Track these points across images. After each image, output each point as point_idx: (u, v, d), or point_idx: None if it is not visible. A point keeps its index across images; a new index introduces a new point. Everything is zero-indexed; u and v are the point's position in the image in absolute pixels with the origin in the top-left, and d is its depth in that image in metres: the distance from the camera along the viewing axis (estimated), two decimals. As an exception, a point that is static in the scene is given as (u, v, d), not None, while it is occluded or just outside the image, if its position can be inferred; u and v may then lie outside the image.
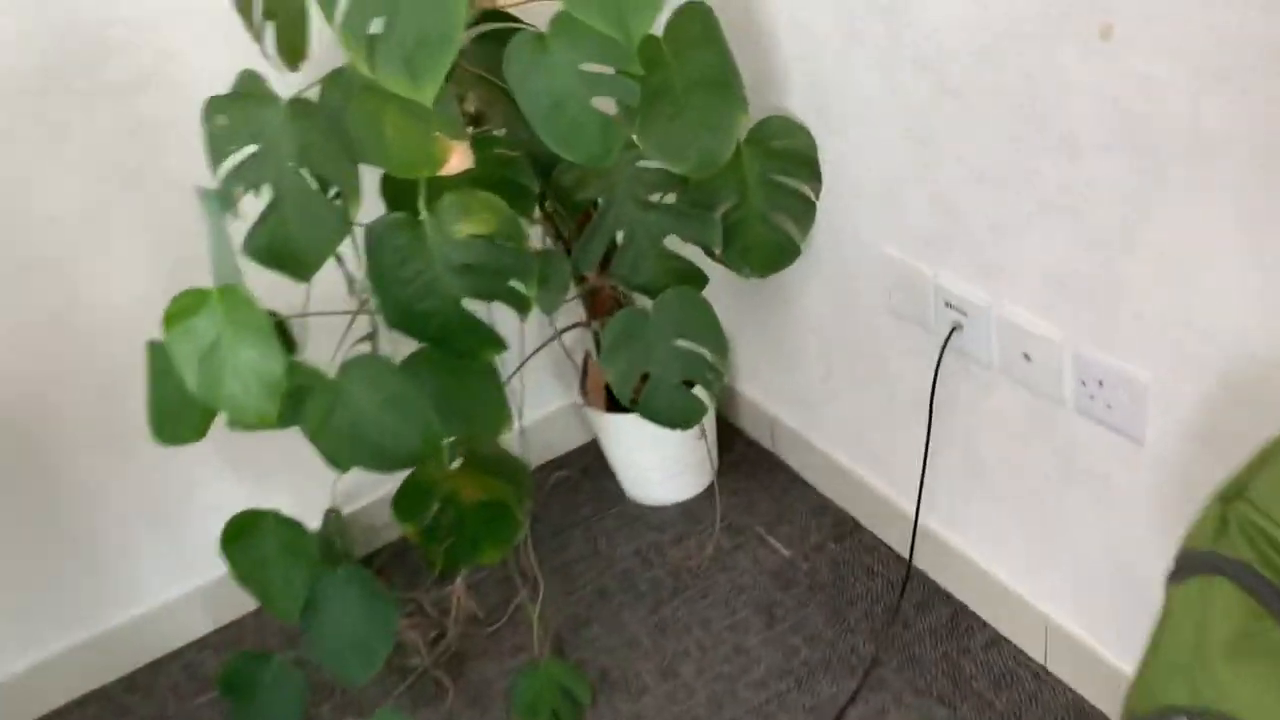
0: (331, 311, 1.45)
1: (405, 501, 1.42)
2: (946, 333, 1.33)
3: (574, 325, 1.71)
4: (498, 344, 1.26)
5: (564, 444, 2.04)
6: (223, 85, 1.19)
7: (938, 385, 1.40)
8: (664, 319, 1.41)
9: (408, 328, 1.23)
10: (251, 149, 1.15)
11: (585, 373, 1.78)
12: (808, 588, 1.64)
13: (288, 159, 1.15)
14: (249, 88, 1.22)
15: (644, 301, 1.54)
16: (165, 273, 1.55)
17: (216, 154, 1.15)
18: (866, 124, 1.34)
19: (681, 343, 1.42)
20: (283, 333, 1.53)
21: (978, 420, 1.36)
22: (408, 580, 1.81)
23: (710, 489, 1.87)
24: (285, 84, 1.21)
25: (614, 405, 1.75)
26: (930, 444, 1.47)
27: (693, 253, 1.49)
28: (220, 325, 1.12)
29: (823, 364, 1.66)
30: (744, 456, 1.93)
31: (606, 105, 1.18)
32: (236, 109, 1.14)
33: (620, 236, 1.45)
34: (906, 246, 1.36)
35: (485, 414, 1.39)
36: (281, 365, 1.13)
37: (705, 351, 1.43)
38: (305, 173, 1.16)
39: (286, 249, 1.18)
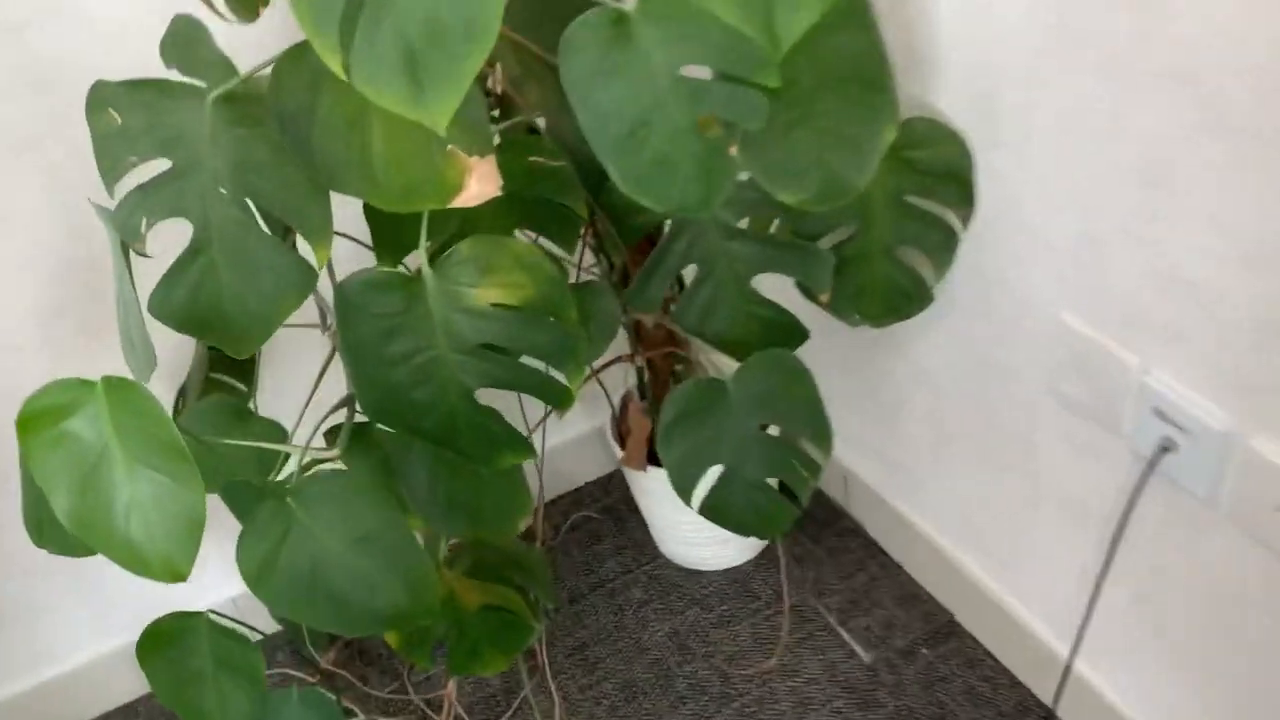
0: (302, 324, 1.06)
1: None
2: (1152, 451, 0.94)
3: (614, 361, 1.32)
4: (522, 449, 0.87)
5: (585, 473, 1.67)
6: (153, 30, 0.78)
7: (1129, 509, 1.02)
8: (747, 394, 1.03)
9: (393, 420, 0.85)
10: (164, 164, 0.75)
11: (622, 415, 1.40)
12: (893, 711, 1.29)
13: (216, 182, 0.74)
14: (181, 48, 0.81)
15: (718, 357, 1.16)
16: (64, 296, 1.15)
17: (109, 168, 0.75)
18: (1061, 143, 0.93)
19: (768, 428, 1.04)
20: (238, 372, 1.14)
21: (1178, 567, 0.99)
22: (388, 665, 1.46)
23: (766, 555, 1.50)
24: (240, 42, 0.80)
25: (655, 454, 1.38)
26: (1104, 578, 1.10)
27: (781, 291, 1.10)
28: (108, 435, 0.73)
29: (934, 428, 1.28)
30: (808, 513, 1.56)
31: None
32: (137, 102, 0.73)
33: (692, 270, 1.06)
34: (1099, 320, 0.97)
35: (497, 506, 1.02)
36: (202, 497, 0.75)
37: (800, 441, 1.05)
38: (246, 203, 0.76)
39: (216, 313, 0.78)
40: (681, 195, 0.74)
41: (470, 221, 0.85)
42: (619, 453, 1.38)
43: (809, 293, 1.10)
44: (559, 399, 0.84)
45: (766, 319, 1.07)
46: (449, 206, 0.76)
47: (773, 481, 1.06)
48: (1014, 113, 0.96)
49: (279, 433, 1.09)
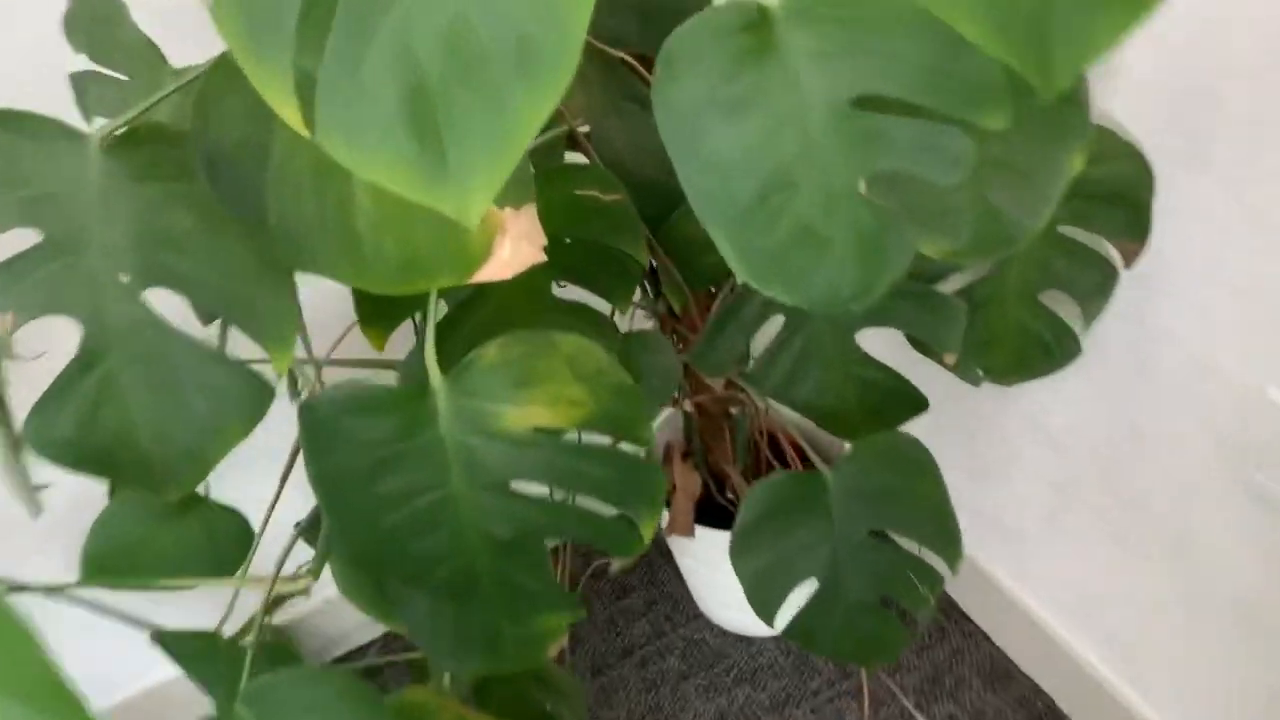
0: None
1: None
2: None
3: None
4: (567, 609, 0.63)
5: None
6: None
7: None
8: (854, 491, 0.78)
9: (385, 572, 0.60)
10: (34, 238, 0.48)
11: (664, 469, 1.15)
12: (993, 830, 1.07)
13: (113, 263, 0.48)
14: (91, 27, 0.55)
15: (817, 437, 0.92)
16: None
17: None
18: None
19: (879, 533, 0.80)
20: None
21: None
22: None
23: (828, 619, 1.27)
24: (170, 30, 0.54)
25: (705, 515, 1.14)
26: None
27: (885, 349, 0.85)
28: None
29: (1052, 492, 1.04)
30: (876, 565, 1.32)
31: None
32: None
33: (775, 321, 0.80)
34: (1331, 405, 0.72)
35: (520, 632, 0.77)
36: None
37: (920, 551, 0.80)
38: (152, 298, 0.50)
39: (124, 446, 0.52)
40: (829, 285, 0.48)
41: (489, 285, 0.60)
42: (663, 519, 1.13)
43: (926, 349, 0.84)
44: (624, 546, 0.60)
45: (873, 384, 0.82)
46: (470, 282, 0.51)
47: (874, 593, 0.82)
48: (1233, 125, 0.71)
49: (239, 530, 0.84)
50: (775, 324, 0.81)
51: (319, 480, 0.56)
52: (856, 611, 0.81)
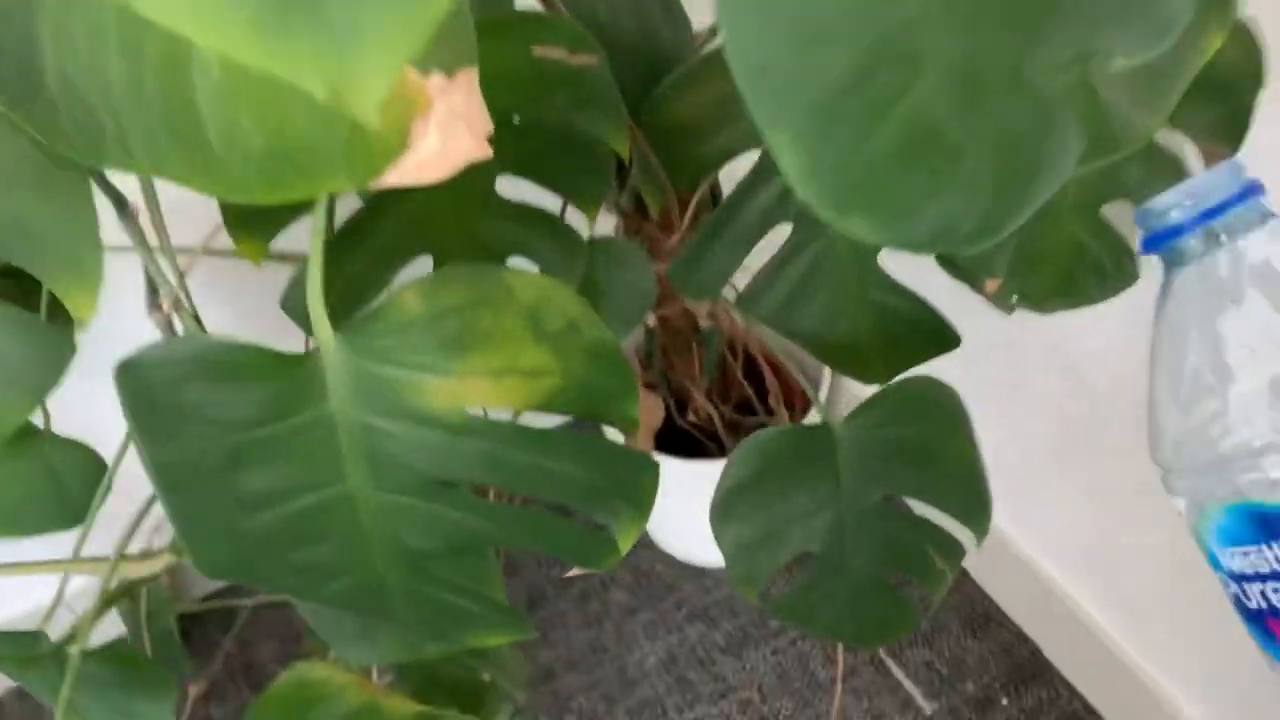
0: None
1: (264, 713, 0.67)
2: None
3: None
4: (511, 627, 0.46)
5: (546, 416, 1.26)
6: None
7: None
8: (869, 448, 0.62)
9: (256, 583, 0.42)
10: None
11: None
12: (971, 794, 0.97)
13: None
14: None
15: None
16: None
17: None
18: None
19: (894, 501, 0.64)
20: None
21: None
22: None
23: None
24: None
25: (664, 440, 0.99)
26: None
27: (912, 274, 0.68)
28: None
29: (1066, 435, 0.90)
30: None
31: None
32: None
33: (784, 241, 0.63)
34: None
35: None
36: None
37: (941, 519, 0.65)
38: None
39: None
40: (944, 219, 0.31)
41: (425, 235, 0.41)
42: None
43: (961, 271, 0.68)
44: (594, 558, 0.43)
45: (894, 313, 0.65)
46: (378, 186, 0.32)
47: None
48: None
49: (88, 466, 0.66)
50: (778, 235, 0.63)
51: (154, 470, 0.38)
52: (861, 589, 0.66)
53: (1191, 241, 0.41)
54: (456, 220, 0.49)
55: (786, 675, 1.05)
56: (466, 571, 0.43)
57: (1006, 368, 0.93)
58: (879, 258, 0.63)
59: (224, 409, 0.36)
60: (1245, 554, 0.37)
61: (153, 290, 0.64)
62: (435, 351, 0.35)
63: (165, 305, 0.62)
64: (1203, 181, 0.42)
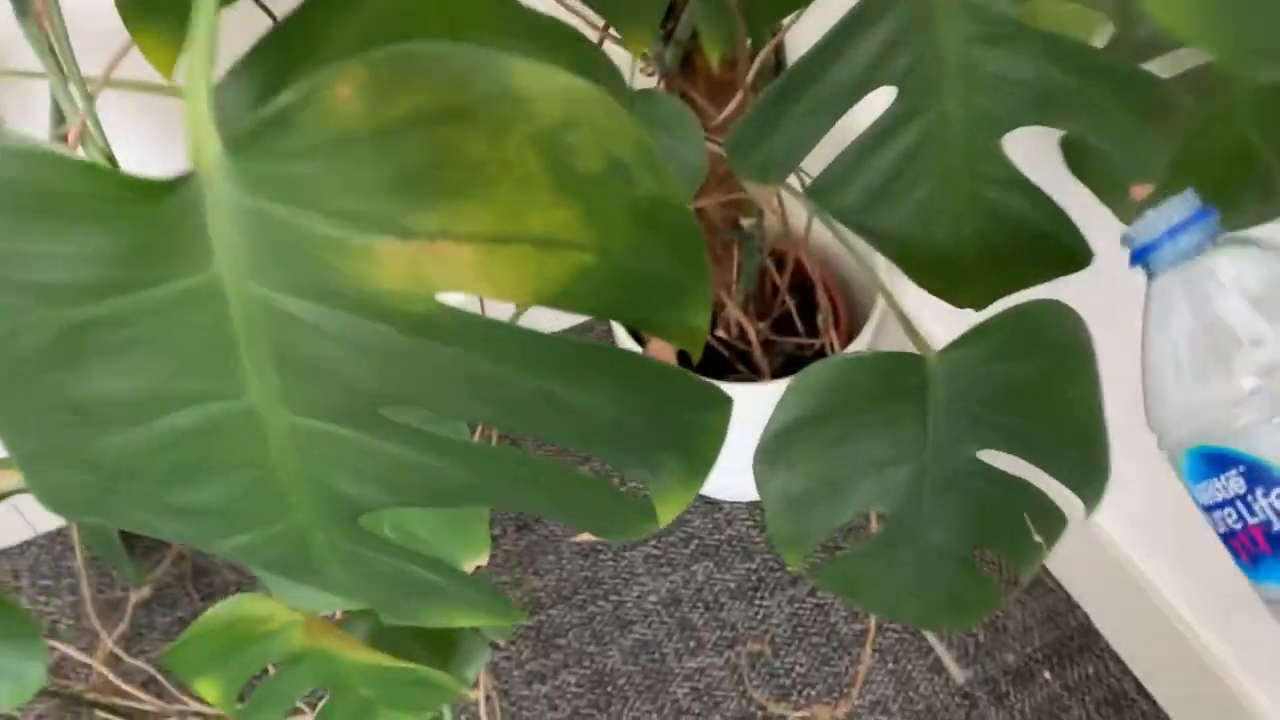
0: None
1: (186, 652, 0.56)
2: None
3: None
4: (490, 609, 0.33)
5: (544, 318, 1.13)
6: None
7: None
8: (968, 389, 0.48)
9: (112, 521, 0.29)
10: None
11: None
12: (1004, 778, 0.85)
13: None
14: None
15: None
16: None
17: None
18: None
19: (999, 453, 0.50)
20: None
21: None
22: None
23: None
24: None
25: (683, 355, 0.85)
26: None
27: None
28: None
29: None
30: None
31: None
32: None
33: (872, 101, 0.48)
34: None
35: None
36: None
37: (1052, 475, 0.52)
38: None
39: None
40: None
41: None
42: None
43: (1095, 171, 0.53)
44: (622, 528, 0.29)
45: (1011, 218, 0.51)
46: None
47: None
48: None
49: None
50: (866, 110, 0.48)
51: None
52: (936, 561, 0.53)
53: (1182, 240, 0.46)
54: (450, 27, 0.34)
55: (803, 627, 0.93)
56: (428, 529, 0.30)
57: (1097, 304, 0.79)
58: (1001, 144, 0.48)
59: (46, 265, 0.22)
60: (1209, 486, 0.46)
61: (59, 119, 0.50)
62: (385, 194, 0.21)
63: (70, 135, 0.48)
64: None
